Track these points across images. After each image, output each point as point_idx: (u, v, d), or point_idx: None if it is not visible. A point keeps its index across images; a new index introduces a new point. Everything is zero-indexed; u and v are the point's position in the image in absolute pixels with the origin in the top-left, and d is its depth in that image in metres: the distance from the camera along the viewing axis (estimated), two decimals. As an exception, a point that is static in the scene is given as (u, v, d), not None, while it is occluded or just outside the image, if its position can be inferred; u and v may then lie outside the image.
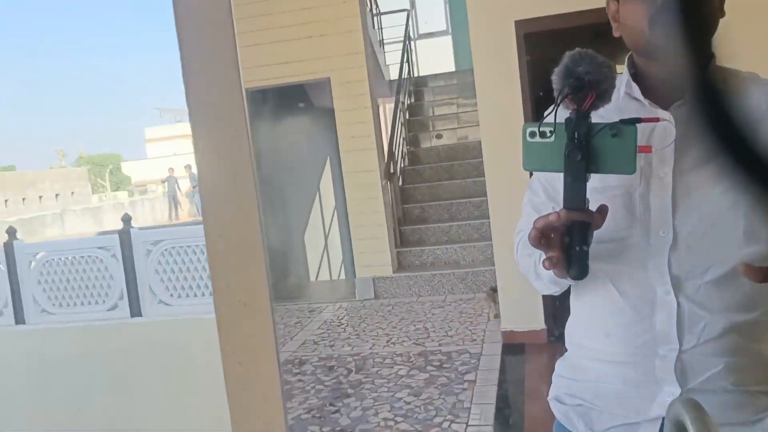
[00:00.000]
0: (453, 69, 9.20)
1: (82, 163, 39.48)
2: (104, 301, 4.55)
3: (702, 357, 0.97)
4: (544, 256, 0.88)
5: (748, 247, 0.94)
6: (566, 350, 1.14)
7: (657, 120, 0.92)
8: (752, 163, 0.31)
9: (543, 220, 0.85)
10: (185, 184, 17.29)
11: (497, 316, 4.49)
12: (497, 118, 3.74)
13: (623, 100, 0.99)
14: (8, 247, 4.67)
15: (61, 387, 4.55)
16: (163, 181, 18.18)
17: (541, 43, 3.71)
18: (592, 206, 0.86)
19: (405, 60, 7.22)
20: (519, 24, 3.74)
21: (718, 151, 0.31)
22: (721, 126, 0.32)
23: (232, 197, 0.62)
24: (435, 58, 9.53)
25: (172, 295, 4.43)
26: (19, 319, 4.68)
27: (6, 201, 18.04)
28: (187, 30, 0.61)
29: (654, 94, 0.99)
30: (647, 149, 0.91)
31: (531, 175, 1.13)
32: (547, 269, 0.88)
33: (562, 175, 0.86)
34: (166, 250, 4.40)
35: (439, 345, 4.21)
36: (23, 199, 18.77)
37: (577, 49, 0.87)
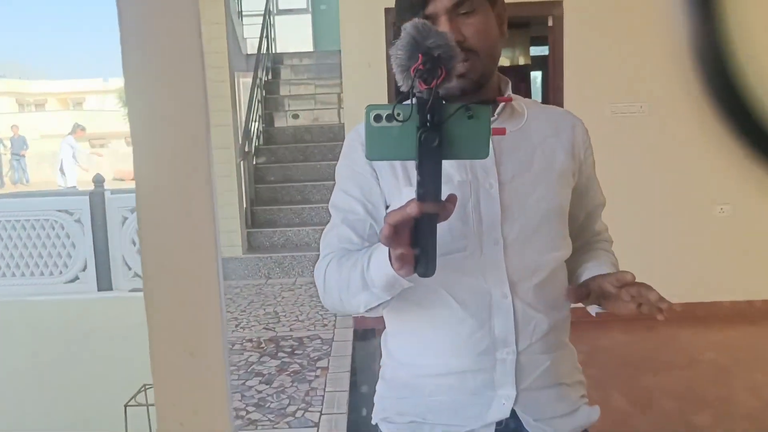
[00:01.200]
0: (311, 48, 9.08)
1: None
2: None
3: (533, 356, 1.04)
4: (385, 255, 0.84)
5: (556, 251, 1.05)
6: (385, 373, 1.13)
7: (509, 99, 1.00)
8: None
9: (398, 214, 0.75)
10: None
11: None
12: (361, 103, 3.74)
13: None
14: None
15: None
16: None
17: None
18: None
19: (264, 35, 7.00)
20: (389, 11, 3.77)
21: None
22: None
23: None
24: (293, 35, 9.35)
25: (-7, 273, 3.98)
26: None
27: None
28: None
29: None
30: (501, 131, 0.85)
31: (336, 189, 1.09)
32: (395, 270, 0.80)
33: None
34: (-12, 223, 3.94)
35: (290, 330, 4.16)
36: None
37: (420, 19, 0.77)
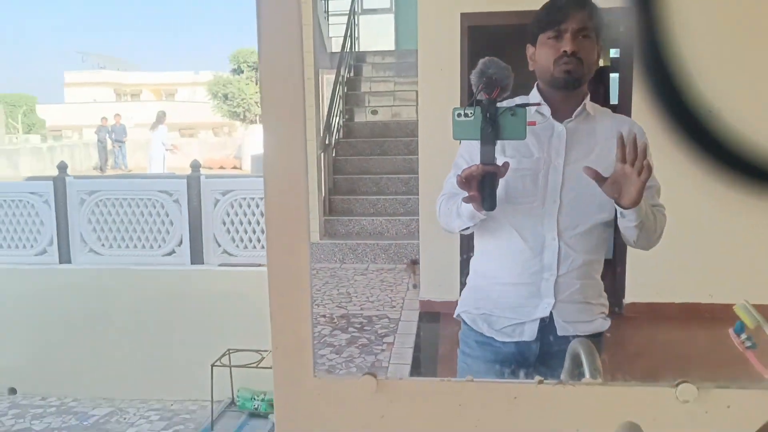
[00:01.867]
0: (393, 47, 9.39)
1: (-8, 100, 37.15)
2: (32, 246, 4.56)
3: (568, 280, 1.48)
4: (466, 195, 1.32)
5: (599, 214, 1.45)
6: (469, 282, 1.61)
7: (538, 104, 1.45)
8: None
9: (467, 170, 1.29)
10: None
11: (416, 286, 4.78)
12: (435, 102, 4.00)
13: (534, 114, 1.45)
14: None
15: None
16: (96, 131, 17.14)
17: (484, 36, 3.99)
18: (508, 179, 1.34)
19: (348, 34, 7.36)
20: (464, 16, 4.00)
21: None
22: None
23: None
24: (376, 34, 9.68)
25: (103, 245, 4.50)
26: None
27: None
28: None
29: (553, 111, 1.45)
30: (533, 123, 1.39)
31: (457, 156, 1.54)
32: (466, 203, 1.33)
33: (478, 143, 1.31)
34: (100, 200, 4.46)
35: (361, 309, 4.48)
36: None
37: (487, 57, 1.40)
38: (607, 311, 1.56)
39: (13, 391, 4.56)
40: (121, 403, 4.35)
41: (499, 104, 1.30)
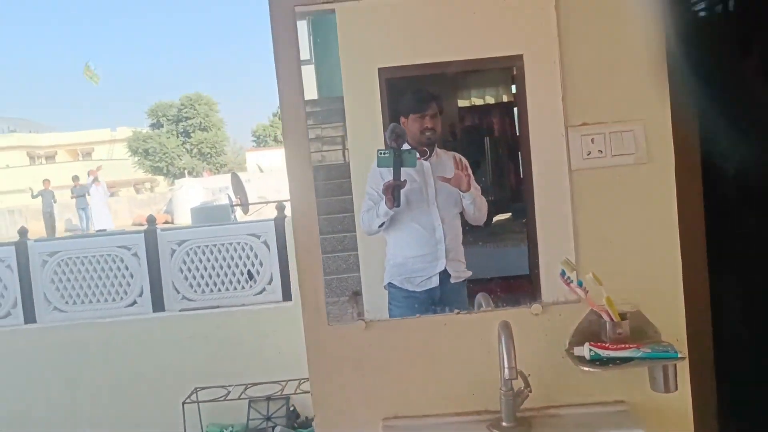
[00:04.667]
0: (316, 96, 9.99)
1: None
2: (-5, 310, 4.80)
3: (451, 246, 2.26)
4: (384, 200, 2.15)
5: (456, 207, 2.26)
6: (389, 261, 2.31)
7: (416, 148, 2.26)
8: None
9: (386, 183, 2.15)
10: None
11: (360, 314, 5.27)
12: (361, 143, 4.61)
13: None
14: None
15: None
16: (35, 196, 17.02)
17: (402, 84, 4.62)
18: (406, 192, 2.18)
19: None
20: (382, 71, 4.63)
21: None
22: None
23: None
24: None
25: (67, 302, 4.79)
26: None
27: None
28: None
29: (419, 152, 2.24)
30: (420, 159, 2.25)
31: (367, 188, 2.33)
32: (387, 206, 2.16)
33: (389, 170, 2.18)
34: (62, 260, 4.77)
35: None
36: None
37: (394, 123, 2.23)
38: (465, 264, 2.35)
39: (-15, 452, 4.73)
40: (96, 450, 4.61)
41: (402, 148, 2.19)
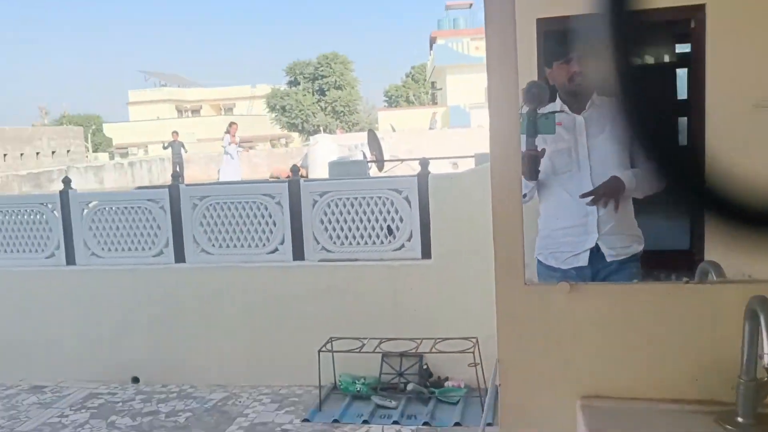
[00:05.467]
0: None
1: (64, 122, 39.03)
2: (150, 248, 5.05)
3: (606, 218, 2.06)
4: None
5: (617, 168, 2.06)
6: (540, 234, 2.18)
7: (561, 111, 2.15)
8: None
9: (522, 153, 1.92)
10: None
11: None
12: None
13: (560, 114, 2.10)
14: (63, 195, 5.13)
15: (107, 322, 5.07)
16: (165, 147, 18.22)
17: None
18: (551, 157, 2.04)
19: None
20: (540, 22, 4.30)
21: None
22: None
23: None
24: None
25: (213, 245, 4.94)
26: (70, 260, 5.16)
27: (5, 156, 18.21)
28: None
29: (572, 108, 2.13)
30: (560, 124, 2.09)
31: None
32: (524, 178, 1.89)
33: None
34: (210, 205, 4.91)
35: (451, 299, 4.77)
36: (21, 154, 18.94)
37: (533, 80, 2.03)
38: (641, 238, 2.09)
39: (135, 380, 5.05)
40: (234, 389, 4.78)
41: (539, 111, 1.97)
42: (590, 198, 2.06)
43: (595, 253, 2.09)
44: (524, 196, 2.09)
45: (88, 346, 5.12)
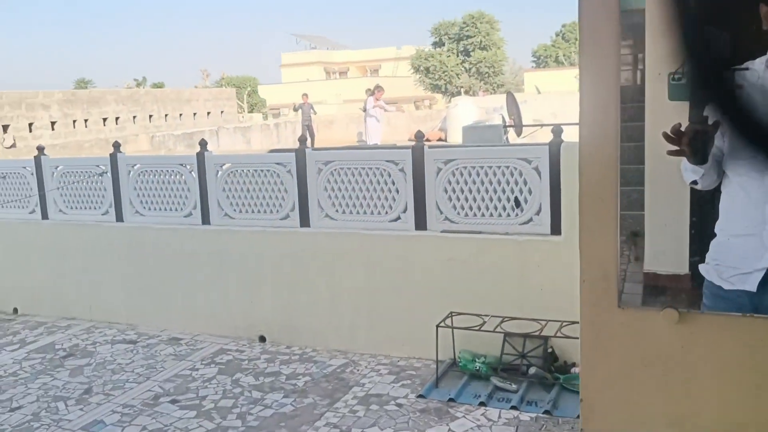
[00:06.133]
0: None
1: (223, 84, 41.37)
2: (278, 211, 5.12)
3: None
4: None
5: None
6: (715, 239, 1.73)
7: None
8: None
9: (675, 127, 1.51)
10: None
11: (638, 258, 4.60)
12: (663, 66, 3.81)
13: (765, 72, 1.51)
14: (200, 157, 5.32)
15: (238, 281, 5.24)
16: (296, 109, 18.36)
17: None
18: (732, 136, 1.43)
19: None
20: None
21: None
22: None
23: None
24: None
25: (336, 210, 4.91)
26: (205, 220, 5.36)
27: (166, 116, 19.68)
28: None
29: None
30: (739, 86, 1.43)
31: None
32: (672, 156, 1.55)
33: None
34: (335, 170, 4.86)
35: (582, 279, 4.43)
36: (180, 114, 20.37)
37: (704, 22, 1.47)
38: None
39: (262, 339, 5.19)
40: (354, 356, 4.76)
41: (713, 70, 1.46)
42: None
43: None
44: (694, 182, 1.67)
45: (220, 303, 5.34)
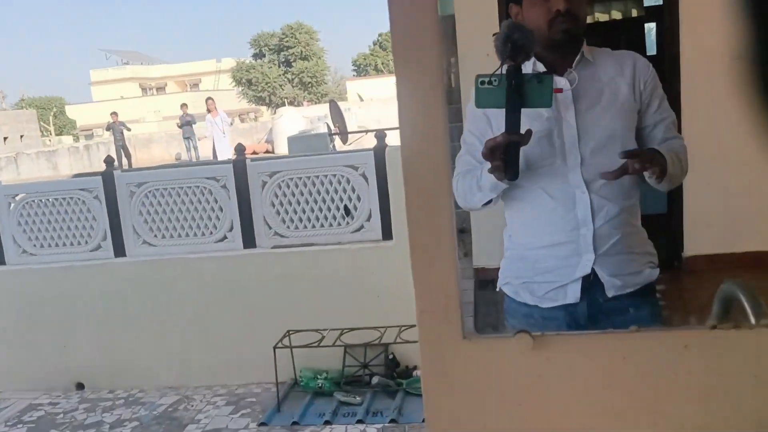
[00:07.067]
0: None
1: (23, 105, 37.75)
2: (87, 242, 4.60)
3: (606, 231, 1.41)
4: (489, 167, 1.29)
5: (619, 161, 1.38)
6: (506, 253, 1.57)
7: (545, 72, 1.39)
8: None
9: (492, 141, 1.26)
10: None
11: (466, 254, 4.71)
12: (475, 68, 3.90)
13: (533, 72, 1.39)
14: (-16, 188, 4.64)
15: (46, 325, 4.64)
16: (108, 128, 16.92)
17: None
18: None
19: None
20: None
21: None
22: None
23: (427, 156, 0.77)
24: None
25: (155, 236, 4.51)
26: (0, 260, 4.70)
27: (-48, 143, 17.35)
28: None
29: (550, 66, 1.41)
30: (559, 90, 1.36)
31: (464, 133, 1.53)
32: (490, 173, 1.30)
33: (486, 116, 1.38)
34: (149, 191, 4.46)
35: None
36: (-30, 141, 18.07)
37: (511, 20, 1.37)
38: (655, 261, 1.49)
39: (80, 386, 4.64)
40: (187, 391, 4.40)
41: (528, 70, 1.31)
42: (624, 161, 1.32)
43: (591, 283, 1.41)
44: (488, 202, 1.43)
45: (26, 352, 4.69)
